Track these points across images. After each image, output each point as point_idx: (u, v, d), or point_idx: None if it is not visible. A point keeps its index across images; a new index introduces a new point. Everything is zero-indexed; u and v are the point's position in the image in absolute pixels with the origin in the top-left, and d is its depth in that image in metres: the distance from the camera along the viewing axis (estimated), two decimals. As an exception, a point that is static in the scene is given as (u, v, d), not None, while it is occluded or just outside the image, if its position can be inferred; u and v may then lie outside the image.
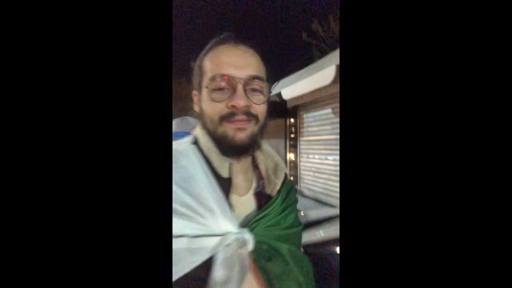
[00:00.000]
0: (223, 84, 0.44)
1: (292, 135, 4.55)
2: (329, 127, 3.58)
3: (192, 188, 0.44)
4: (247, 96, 0.44)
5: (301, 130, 4.36)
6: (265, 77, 0.48)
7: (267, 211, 0.49)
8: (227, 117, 0.44)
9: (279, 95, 4.08)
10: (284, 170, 0.56)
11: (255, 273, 0.45)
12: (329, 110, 3.56)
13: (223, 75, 0.44)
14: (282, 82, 4.06)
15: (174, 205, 0.42)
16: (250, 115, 0.45)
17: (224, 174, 0.48)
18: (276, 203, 0.50)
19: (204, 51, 0.49)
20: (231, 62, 0.45)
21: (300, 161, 4.40)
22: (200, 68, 0.48)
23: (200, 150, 0.48)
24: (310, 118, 4.10)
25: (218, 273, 0.41)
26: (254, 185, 0.52)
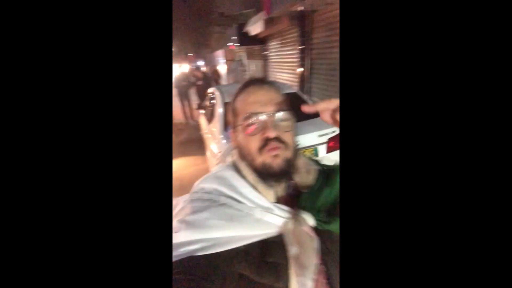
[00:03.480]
0: (255, 120, 0.50)
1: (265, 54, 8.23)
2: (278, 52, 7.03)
3: (244, 194, 0.50)
4: (276, 126, 0.50)
5: (269, 51, 7.84)
6: (288, 108, 0.53)
7: (310, 191, 0.54)
8: (263, 146, 0.50)
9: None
10: (315, 167, 0.59)
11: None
12: (275, 42, 6.99)
13: (254, 113, 0.50)
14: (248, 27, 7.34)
15: (230, 210, 0.48)
16: (281, 142, 0.50)
17: (271, 199, 0.52)
18: (316, 185, 0.55)
19: (234, 96, 0.56)
20: (259, 101, 0.51)
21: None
22: (234, 110, 0.55)
23: (241, 174, 0.53)
24: (270, 45, 7.63)
25: (292, 250, 0.46)
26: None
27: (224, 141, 2.18)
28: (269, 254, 0.47)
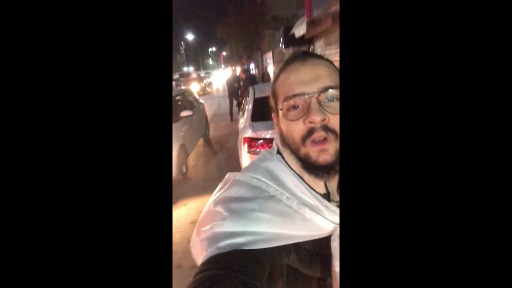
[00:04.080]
0: (297, 103, 0.44)
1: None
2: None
3: (291, 189, 0.45)
4: (323, 109, 0.42)
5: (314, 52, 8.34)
6: (338, 85, 0.44)
7: None
8: (307, 136, 0.43)
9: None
10: None
11: None
12: (320, 43, 7.11)
13: (295, 95, 0.43)
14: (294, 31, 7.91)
15: (279, 205, 0.43)
16: (328, 130, 0.43)
17: (321, 191, 0.47)
18: None
19: (275, 76, 0.50)
20: (301, 80, 0.44)
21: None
22: (274, 93, 0.49)
23: (286, 163, 0.48)
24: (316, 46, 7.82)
25: (338, 266, 0.41)
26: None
27: (250, 130, 2.54)
28: (320, 246, 0.44)
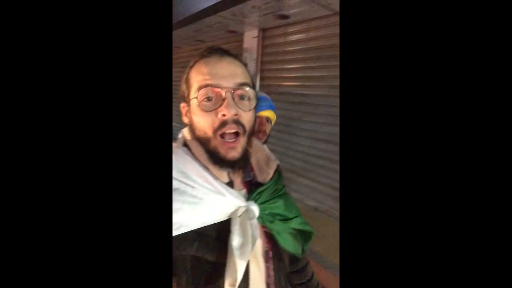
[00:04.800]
0: (211, 94, 0.44)
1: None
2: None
3: (196, 180, 0.47)
4: (236, 104, 0.45)
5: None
6: (251, 84, 0.48)
7: (266, 186, 0.54)
8: (219, 128, 0.45)
9: None
10: (276, 161, 0.59)
11: (262, 232, 0.52)
12: None
13: (211, 86, 0.44)
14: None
15: (183, 196, 0.45)
16: (239, 124, 0.45)
17: (224, 180, 0.51)
18: (271, 183, 0.55)
19: (190, 64, 0.49)
20: (218, 73, 0.45)
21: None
22: (188, 81, 0.49)
23: (193, 155, 0.49)
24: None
25: (235, 240, 0.45)
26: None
27: None
28: (220, 231, 0.48)
